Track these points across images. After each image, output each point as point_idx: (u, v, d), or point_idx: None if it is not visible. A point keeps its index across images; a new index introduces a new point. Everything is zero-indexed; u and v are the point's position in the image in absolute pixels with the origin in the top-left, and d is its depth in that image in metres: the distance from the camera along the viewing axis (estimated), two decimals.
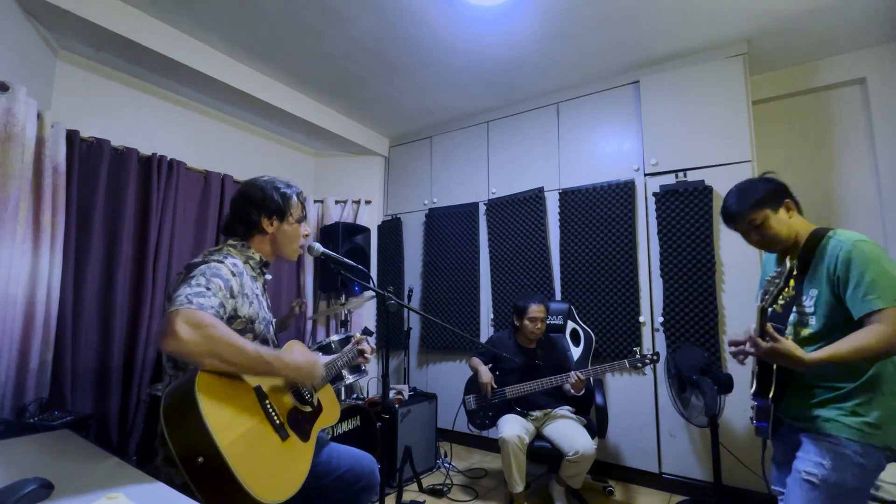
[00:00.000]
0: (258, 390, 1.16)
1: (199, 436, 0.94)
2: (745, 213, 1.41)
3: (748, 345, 1.26)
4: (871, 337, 1.16)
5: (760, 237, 1.41)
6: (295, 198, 1.44)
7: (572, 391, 2.40)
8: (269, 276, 1.47)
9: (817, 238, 1.34)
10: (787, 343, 1.19)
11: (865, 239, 1.26)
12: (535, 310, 2.57)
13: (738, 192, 1.45)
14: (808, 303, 1.31)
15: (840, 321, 1.25)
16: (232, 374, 1.11)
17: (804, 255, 1.35)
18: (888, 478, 1.70)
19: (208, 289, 1.13)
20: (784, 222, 1.38)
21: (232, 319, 1.22)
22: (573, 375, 2.36)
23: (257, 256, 1.39)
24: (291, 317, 2.65)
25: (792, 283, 1.17)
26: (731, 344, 1.44)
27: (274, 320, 1.49)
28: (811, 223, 1.42)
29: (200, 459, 0.93)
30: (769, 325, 1.19)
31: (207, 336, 1.03)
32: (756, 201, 1.39)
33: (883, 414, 1.20)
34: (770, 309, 1.44)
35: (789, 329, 1.37)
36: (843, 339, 1.19)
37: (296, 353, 1.26)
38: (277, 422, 1.17)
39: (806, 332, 1.32)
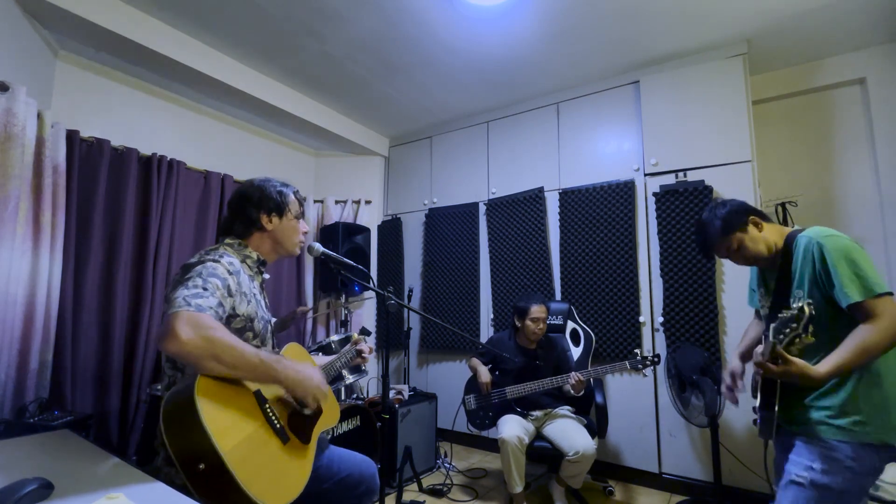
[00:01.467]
0: (258, 394, 1.15)
1: (199, 442, 0.94)
2: (718, 244, 1.43)
3: (755, 370, 1.26)
4: (870, 334, 1.16)
5: (744, 259, 1.44)
6: (292, 195, 1.45)
7: (572, 392, 2.40)
8: (266, 276, 1.47)
9: (791, 241, 1.36)
10: (799, 363, 1.18)
11: (834, 233, 1.28)
12: (537, 310, 2.57)
13: (704, 226, 1.46)
14: (796, 304, 1.32)
15: (827, 317, 1.25)
16: (231, 378, 1.10)
17: (785, 263, 1.36)
18: (888, 478, 1.70)
19: (205, 289, 1.12)
20: (758, 239, 1.40)
21: (231, 318, 1.22)
22: (573, 376, 2.36)
23: (254, 255, 1.38)
24: (292, 319, 2.65)
25: (811, 328, 1.13)
26: (728, 388, 1.52)
27: (273, 320, 1.49)
28: (808, 223, 1.42)
29: (202, 466, 0.93)
30: (779, 348, 1.18)
31: (208, 338, 1.02)
32: (721, 229, 1.41)
33: (870, 408, 1.20)
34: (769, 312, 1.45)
35: None
36: (845, 343, 1.19)
37: (298, 364, 1.23)
38: (278, 425, 1.16)
39: None
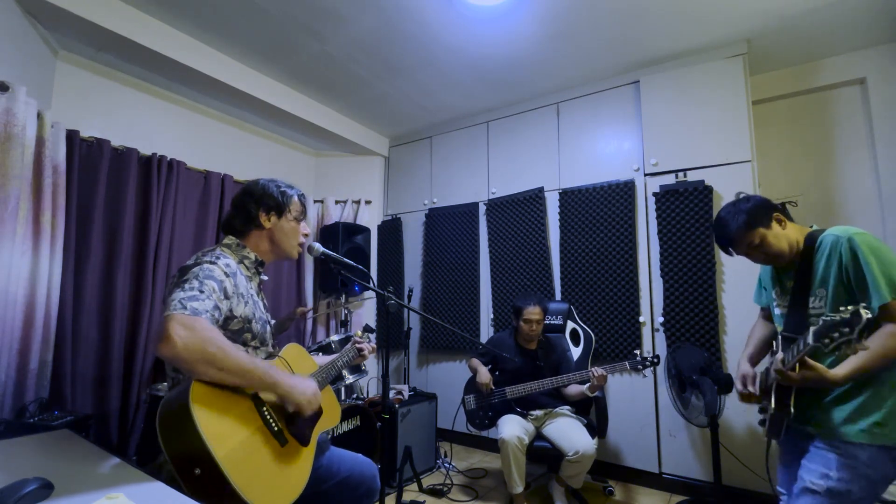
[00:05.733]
0: (255, 397, 1.14)
1: (195, 447, 0.93)
2: (740, 238, 1.40)
3: (773, 374, 1.25)
4: (890, 340, 1.15)
5: (764, 255, 1.40)
6: (296, 197, 1.45)
7: (588, 393, 2.34)
8: (265, 277, 1.46)
9: (812, 240, 1.34)
10: (819, 368, 1.17)
11: (862, 231, 1.26)
12: (530, 311, 2.56)
13: (726, 219, 1.42)
14: (818, 303, 1.29)
15: None
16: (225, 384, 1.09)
17: (804, 262, 1.34)
18: None
19: (202, 291, 1.12)
20: (781, 236, 1.37)
21: (228, 320, 1.21)
22: (595, 371, 2.28)
23: (252, 256, 1.38)
24: (291, 320, 2.65)
25: (863, 336, 1.03)
26: (742, 397, 1.48)
27: (272, 321, 1.48)
28: (808, 224, 1.42)
29: (198, 471, 0.92)
30: (809, 360, 1.16)
31: (202, 342, 1.02)
32: (745, 223, 1.38)
33: (890, 410, 1.18)
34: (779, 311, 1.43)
35: None
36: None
37: (293, 377, 1.22)
38: (276, 428, 1.15)
39: None
